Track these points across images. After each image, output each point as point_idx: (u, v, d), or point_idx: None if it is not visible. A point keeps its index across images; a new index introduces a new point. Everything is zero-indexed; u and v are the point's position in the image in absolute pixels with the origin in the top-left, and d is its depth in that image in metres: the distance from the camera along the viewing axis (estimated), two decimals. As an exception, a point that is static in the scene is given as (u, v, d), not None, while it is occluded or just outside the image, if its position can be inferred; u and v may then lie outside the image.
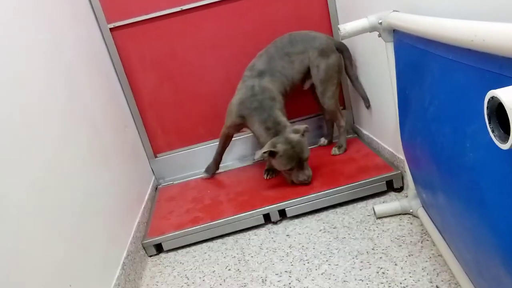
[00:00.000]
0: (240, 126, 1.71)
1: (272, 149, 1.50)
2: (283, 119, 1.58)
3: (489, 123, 0.39)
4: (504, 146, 0.36)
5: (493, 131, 0.39)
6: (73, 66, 1.33)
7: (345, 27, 1.22)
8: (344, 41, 1.91)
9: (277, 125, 1.55)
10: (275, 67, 1.68)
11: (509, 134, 0.34)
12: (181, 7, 1.79)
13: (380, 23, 1.17)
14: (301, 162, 1.54)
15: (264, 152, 1.50)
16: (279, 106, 1.61)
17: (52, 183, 0.98)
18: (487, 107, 0.39)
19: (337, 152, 1.80)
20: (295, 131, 1.54)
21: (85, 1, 1.68)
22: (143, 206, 1.68)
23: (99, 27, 1.76)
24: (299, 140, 1.52)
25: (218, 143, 1.86)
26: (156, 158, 2.01)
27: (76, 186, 1.11)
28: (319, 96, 1.73)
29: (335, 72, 1.72)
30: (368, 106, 1.78)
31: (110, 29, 1.78)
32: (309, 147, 1.65)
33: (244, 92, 1.65)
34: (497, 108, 0.37)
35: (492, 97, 0.37)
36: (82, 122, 1.28)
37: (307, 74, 1.74)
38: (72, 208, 1.05)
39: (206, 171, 1.92)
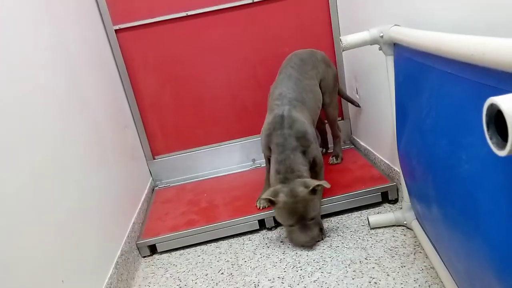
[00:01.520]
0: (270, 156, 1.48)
1: (272, 198, 1.32)
2: (300, 167, 1.36)
3: (487, 130, 0.41)
4: (502, 153, 0.38)
5: (491, 138, 0.40)
6: (76, 65, 1.35)
7: (347, 38, 1.24)
8: (344, 54, 1.94)
9: (289, 172, 1.35)
10: (303, 90, 1.53)
11: (506, 141, 0.36)
12: (187, 12, 1.81)
13: (381, 36, 1.19)
14: (303, 221, 1.33)
15: (264, 199, 1.35)
16: (303, 147, 1.40)
17: (49, 178, 0.99)
18: (486, 114, 0.40)
19: (335, 161, 1.82)
20: (305, 184, 1.32)
21: (92, 2, 1.70)
22: (139, 206, 1.69)
23: (105, 28, 1.78)
24: (304, 197, 1.30)
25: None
26: (154, 160, 2.01)
27: (73, 182, 1.11)
28: (325, 107, 1.73)
29: (336, 81, 1.76)
30: (358, 105, 1.85)
31: (115, 30, 1.80)
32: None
33: (272, 122, 1.43)
34: (496, 116, 0.39)
35: (491, 104, 0.38)
36: (82, 119, 1.29)
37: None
38: (68, 204, 1.06)
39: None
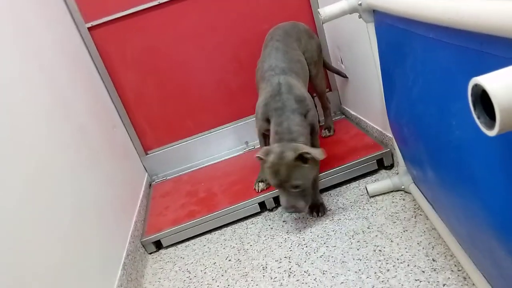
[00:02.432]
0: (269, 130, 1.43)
1: (262, 157, 1.30)
2: (298, 128, 1.32)
3: (474, 110, 0.40)
4: (491, 133, 0.37)
5: (478, 118, 0.39)
6: (53, 69, 1.31)
7: (325, 10, 1.21)
8: (325, 25, 1.91)
9: (286, 133, 1.31)
10: (292, 60, 1.51)
11: (495, 120, 0.35)
12: (159, 0, 1.76)
13: (360, 4, 1.16)
14: (286, 186, 1.28)
15: (257, 156, 1.31)
16: (303, 111, 1.37)
17: (42, 188, 0.97)
18: (471, 94, 0.39)
19: (328, 134, 1.82)
20: (295, 149, 1.25)
21: (60, 2, 1.64)
22: (138, 204, 1.68)
23: (77, 27, 1.72)
24: (289, 162, 1.24)
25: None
26: (147, 155, 2.00)
27: (67, 189, 1.10)
28: (313, 79, 1.71)
29: (320, 52, 1.74)
30: (345, 76, 1.85)
31: (88, 28, 1.74)
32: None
33: (269, 90, 1.39)
34: (482, 95, 0.37)
35: (476, 85, 0.37)
36: (68, 124, 1.26)
37: None
38: (66, 213, 1.05)
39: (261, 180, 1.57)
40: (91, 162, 1.34)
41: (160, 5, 1.77)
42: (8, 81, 1.00)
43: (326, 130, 1.84)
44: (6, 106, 0.94)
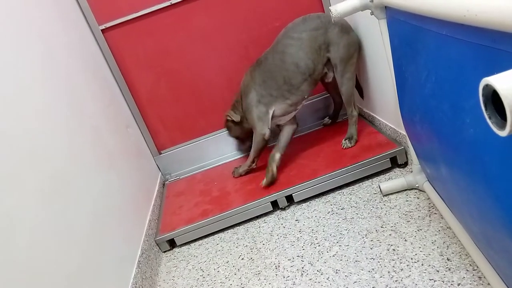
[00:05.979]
0: None
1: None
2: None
3: (486, 110, 0.39)
4: (502, 133, 0.36)
5: (490, 118, 0.39)
6: (69, 72, 1.33)
7: (337, 8, 1.20)
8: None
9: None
10: (272, 51, 1.61)
11: (506, 120, 0.34)
12: (170, 1, 1.77)
13: (371, 1, 1.15)
14: None
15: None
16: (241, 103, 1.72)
17: (60, 191, 0.99)
18: (482, 94, 0.38)
19: (348, 145, 1.66)
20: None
21: (74, 5, 1.67)
22: (152, 203, 1.70)
23: (91, 29, 1.75)
24: None
25: None
26: (161, 155, 2.02)
27: (84, 191, 1.12)
28: (337, 77, 1.60)
29: (355, 51, 1.60)
30: (362, 96, 1.83)
31: (102, 30, 1.77)
32: (313, 129, 1.65)
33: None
34: (493, 95, 0.37)
35: (487, 85, 0.36)
36: (83, 126, 1.28)
37: (323, 55, 1.57)
38: (83, 213, 1.07)
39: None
40: (106, 163, 1.36)
41: (171, 6, 1.79)
42: (24, 84, 1.02)
43: (347, 140, 1.67)
44: (23, 109, 0.97)
